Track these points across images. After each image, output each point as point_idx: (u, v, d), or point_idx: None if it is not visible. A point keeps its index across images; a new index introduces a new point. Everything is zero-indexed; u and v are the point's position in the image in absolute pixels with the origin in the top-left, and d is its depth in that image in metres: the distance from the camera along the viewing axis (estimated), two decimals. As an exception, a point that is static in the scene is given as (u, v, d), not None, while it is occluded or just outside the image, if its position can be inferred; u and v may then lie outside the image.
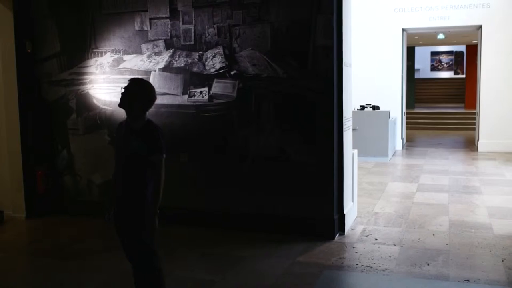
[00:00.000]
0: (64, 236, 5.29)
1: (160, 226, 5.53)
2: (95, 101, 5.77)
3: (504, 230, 5.18)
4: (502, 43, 10.87)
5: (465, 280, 3.90)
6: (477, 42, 11.83)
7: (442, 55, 27.82)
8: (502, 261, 4.30)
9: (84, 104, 5.82)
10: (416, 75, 23.95)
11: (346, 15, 5.07)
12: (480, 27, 11.06)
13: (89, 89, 5.78)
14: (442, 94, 24.19)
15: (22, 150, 5.90)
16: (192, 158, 5.40)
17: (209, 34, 5.22)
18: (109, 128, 5.71)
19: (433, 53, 27.69)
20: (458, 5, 10.97)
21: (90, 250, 4.82)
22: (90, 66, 5.76)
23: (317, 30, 4.82)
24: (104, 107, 5.73)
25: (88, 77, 5.77)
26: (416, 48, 20.86)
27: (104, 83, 5.70)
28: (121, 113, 5.65)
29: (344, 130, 5.12)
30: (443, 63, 28.08)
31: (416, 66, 23.52)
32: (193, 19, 5.27)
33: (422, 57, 26.45)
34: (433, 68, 28.23)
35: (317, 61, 4.86)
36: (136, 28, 5.51)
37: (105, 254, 4.66)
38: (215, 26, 5.19)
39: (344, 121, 5.13)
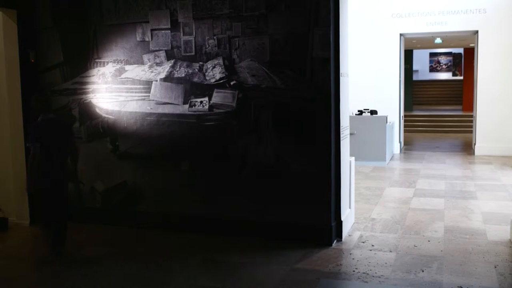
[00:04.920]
0: (67, 243, 5.39)
1: (161, 233, 5.69)
2: (97, 110, 5.89)
3: (497, 236, 5.30)
4: (499, 48, 11.00)
5: (458, 287, 4.02)
6: (474, 46, 11.96)
7: (441, 56, 27.96)
8: (495, 267, 4.43)
9: (87, 113, 5.94)
10: (415, 77, 24.11)
11: (343, 27, 5.19)
12: (476, 32, 11.19)
13: (92, 98, 5.90)
14: (440, 96, 24.33)
15: (26, 158, 6.01)
16: (193, 166, 5.52)
17: (209, 45, 5.34)
18: (112, 136, 5.83)
19: (432, 54, 27.84)
20: (454, 11, 11.11)
21: (93, 257, 4.94)
22: (93, 75, 5.88)
23: (314, 42, 4.95)
24: (106, 115, 5.85)
25: (91, 87, 5.89)
26: (415, 49, 20.99)
27: (106, 92, 5.82)
28: (123, 121, 5.81)
29: (341, 138, 5.24)
30: (441, 64, 28.21)
31: (415, 67, 23.67)
32: (194, 30, 5.39)
33: (421, 58, 26.61)
34: (432, 69, 28.38)
35: (314, 72, 4.98)
36: (138, 39, 5.63)
37: (109, 261, 4.79)
38: (215, 37, 5.31)
39: (341, 130, 5.25)
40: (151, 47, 5.58)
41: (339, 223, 5.20)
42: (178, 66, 5.48)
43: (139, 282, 4.28)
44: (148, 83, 5.61)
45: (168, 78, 5.52)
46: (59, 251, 4.96)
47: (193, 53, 5.42)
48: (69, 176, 5.11)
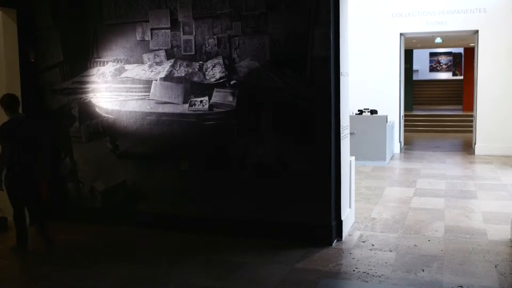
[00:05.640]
0: (67, 243, 5.39)
1: (161, 233, 5.67)
2: (97, 109, 5.88)
3: (498, 235, 5.29)
4: (499, 48, 10.99)
5: (458, 286, 4.01)
6: (474, 45, 11.95)
7: (441, 56, 27.95)
8: (495, 267, 4.42)
9: (87, 112, 5.93)
10: (415, 76, 24.10)
11: (343, 27, 5.18)
12: (476, 31, 11.18)
13: (92, 97, 5.89)
14: (440, 96, 24.33)
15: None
16: (193, 165, 5.51)
17: (209, 45, 5.34)
18: (112, 136, 5.82)
19: (432, 54, 27.83)
20: (455, 10, 11.10)
21: (93, 257, 4.93)
22: (93, 75, 5.87)
23: (314, 42, 4.94)
24: (106, 115, 5.84)
25: (91, 86, 5.89)
26: (415, 49, 20.98)
27: (106, 92, 5.82)
28: (123, 121, 5.80)
29: (341, 138, 5.23)
30: (441, 64, 28.20)
31: (415, 67, 23.67)
32: (194, 29, 5.38)
33: (421, 58, 26.59)
34: (432, 69, 28.37)
35: (314, 71, 4.98)
36: (138, 38, 5.62)
37: (109, 261, 4.78)
38: (215, 36, 5.30)
39: (341, 129, 5.24)
40: (151, 47, 5.57)
41: (339, 223, 5.20)
42: (178, 66, 5.48)
43: (139, 282, 4.28)
44: (148, 82, 5.60)
45: (168, 78, 5.52)
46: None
47: (193, 53, 5.41)
48: (68, 174, 5.26)
